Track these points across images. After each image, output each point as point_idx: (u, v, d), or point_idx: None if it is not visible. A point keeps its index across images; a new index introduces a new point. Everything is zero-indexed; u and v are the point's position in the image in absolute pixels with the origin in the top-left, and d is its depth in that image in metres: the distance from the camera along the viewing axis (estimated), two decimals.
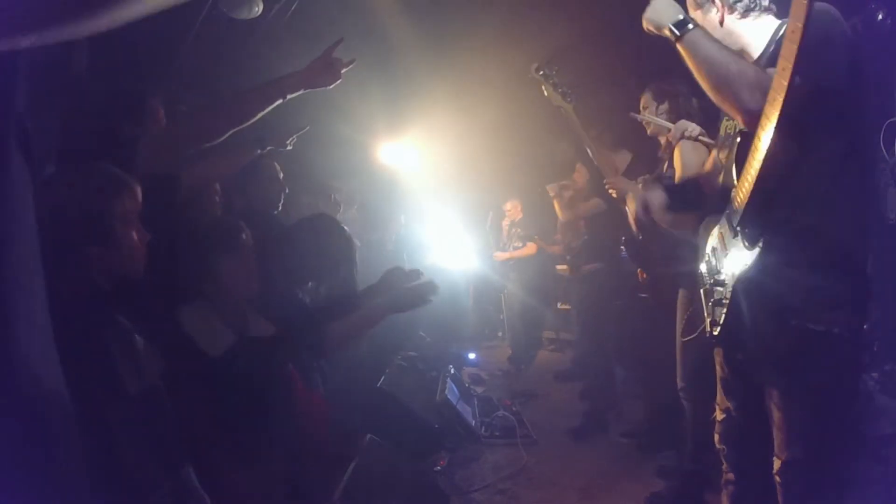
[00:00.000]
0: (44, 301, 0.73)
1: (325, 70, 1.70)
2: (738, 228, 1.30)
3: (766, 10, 1.43)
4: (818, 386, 1.28)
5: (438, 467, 2.71)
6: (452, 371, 3.76)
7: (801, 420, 1.31)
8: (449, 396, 3.26)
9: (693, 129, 2.06)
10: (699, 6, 1.46)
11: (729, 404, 1.55)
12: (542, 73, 2.38)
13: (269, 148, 2.05)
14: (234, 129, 1.67)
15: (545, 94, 2.41)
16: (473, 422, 3.32)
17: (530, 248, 5.45)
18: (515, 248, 5.57)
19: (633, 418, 3.34)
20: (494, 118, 4.80)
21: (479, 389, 4.28)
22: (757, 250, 1.25)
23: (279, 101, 1.68)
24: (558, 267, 5.18)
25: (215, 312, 1.57)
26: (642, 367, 3.16)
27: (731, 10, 1.42)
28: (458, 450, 3.01)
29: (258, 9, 3.11)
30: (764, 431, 1.39)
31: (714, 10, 1.43)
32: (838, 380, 1.31)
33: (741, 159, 1.28)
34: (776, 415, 1.34)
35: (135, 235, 1.20)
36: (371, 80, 3.90)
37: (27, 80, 0.73)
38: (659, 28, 1.34)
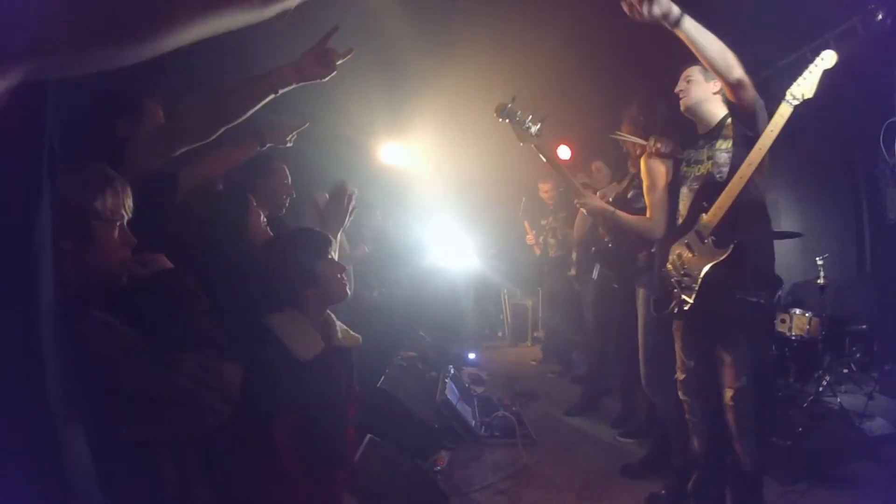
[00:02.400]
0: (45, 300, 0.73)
1: (317, 61, 1.58)
2: (710, 237, 1.98)
3: None
4: (753, 336, 1.99)
5: (438, 467, 2.70)
6: (452, 371, 3.77)
7: (744, 359, 1.96)
8: (449, 396, 3.26)
9: (665, 144, 2.38)
10: (703, 76, 2.07)
11: (688, 362, 2.14)
12: (505, 112, 2.42)
13: (268, 145, 2.04)
14: (225, 127, 1.59)
15: (513, 132, 2.45)
16: (473, 422, 3.32)
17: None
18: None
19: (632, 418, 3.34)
20: (494, 117, 4.79)
21: (479, 389, 4.28)
22: (728, 250, 1.94)
23: (271, 97, 1.58)
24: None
25: (305, 319, 1.55)
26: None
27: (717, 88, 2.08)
28: (458, 450, 3.01)
29: None
30: (712, 381, 2.05)
31: (714, 82, 2.04)
32: (764, 331, 2.12)
33: (708, 194, 2.01)
34: (727, 359, 1.99)
35: (116, 237, 1.15)
36: (372, 79, 3.90)
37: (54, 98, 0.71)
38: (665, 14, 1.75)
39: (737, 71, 1.84)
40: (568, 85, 4.29)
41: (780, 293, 3.63)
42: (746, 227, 1.97)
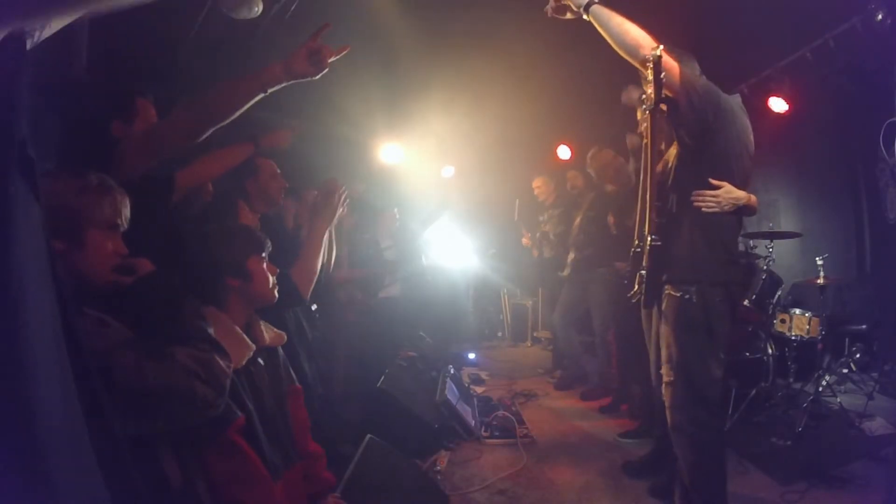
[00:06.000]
0: (48, 302, 0.73)
1: (308, 58, 1.50)
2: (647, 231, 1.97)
3: None
4: (677, 331, 1.92)
5: (438, 467, 2.70)
6: (452, 371, 3.76)
7: (671, 354, 1.93)
8: (449, 396, 3.26)
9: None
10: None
11: (653, 351, 2.13)
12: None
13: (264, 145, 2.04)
14: (214, 128, 1.55)
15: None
16: (473, 422, 3.32)
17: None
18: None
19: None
20: (494, 117, 4.80)
21: (479, 389, 4.28)
22: (650, 246, 1.92)
23: (260, 96, 1.52)
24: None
25: (227, 319, 1.52)
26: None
27: None
28: (458, 450, 3.01)
29: (258, 9, 3.10)
30: None
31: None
32: (691, 328, 1.90)
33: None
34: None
35: (109, 246, 1.16)
36: (371, 79, 3.90)
37: (28, 87, 0.71)
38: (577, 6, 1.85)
39: (644, 50, 1.69)
40: (568, 84, 4.29)
41: (779, 293, 3.62)
42: (670, 224, 1.93)
